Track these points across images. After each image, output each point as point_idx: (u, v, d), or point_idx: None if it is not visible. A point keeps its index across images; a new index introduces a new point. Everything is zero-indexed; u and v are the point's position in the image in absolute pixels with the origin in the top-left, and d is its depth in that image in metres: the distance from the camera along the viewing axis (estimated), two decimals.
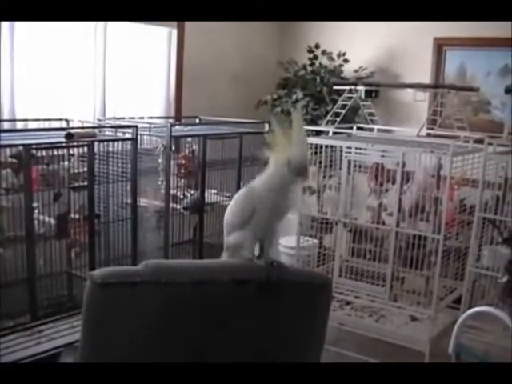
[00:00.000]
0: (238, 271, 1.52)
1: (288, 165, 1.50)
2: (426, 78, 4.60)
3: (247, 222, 1.56)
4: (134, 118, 3.73)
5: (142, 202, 3.30)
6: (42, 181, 2.73)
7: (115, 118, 3.82)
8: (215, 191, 3.65)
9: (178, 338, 1.42)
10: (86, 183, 2.88)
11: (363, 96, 3.66)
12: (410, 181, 3.12)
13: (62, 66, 3.77)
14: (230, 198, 1.66)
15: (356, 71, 4.83)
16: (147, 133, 3.32)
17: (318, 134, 3.43)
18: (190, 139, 3.52)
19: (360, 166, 3.37)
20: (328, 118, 3.73)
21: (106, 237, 3.06)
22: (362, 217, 3.37)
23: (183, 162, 3.47)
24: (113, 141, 2.99)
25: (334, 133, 3.38)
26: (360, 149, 3.21)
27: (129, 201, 3.08)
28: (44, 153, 2.73)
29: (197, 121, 4.15)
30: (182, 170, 3.47)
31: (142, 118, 3.79)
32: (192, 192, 3.51)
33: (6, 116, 3.45)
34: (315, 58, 4.85)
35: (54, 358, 2.44)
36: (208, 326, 1.45)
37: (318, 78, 4.72)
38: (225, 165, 3.65)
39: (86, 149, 2.84)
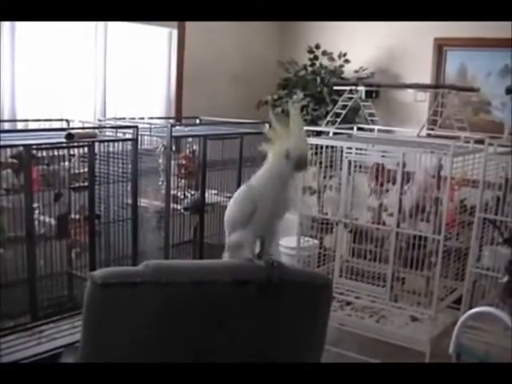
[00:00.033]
0: (239, 271, 1.52)
1: (287, 157, 1.50)
2: (427, 78, 4.60)
3: (248, 220, 1.56)
4: (134, 118, 3.73)
5: (143, 202, 3.30)
6: (43, 181, 2.73)
7: (116, 119, 3.82)
8: (216, 191, 3.65)
9: (178, 339, 1.42)
10: (86, 184, 2.88)
11: (363, 96, 3.66)
12: (410, 181, 3.12)
13: (63, 66, 3.77)
14: (231, 198, 1.66)
15: (356, 72, 4.83)
16: (148, 133, 3.32)
17: (318, 134, 3.43)
18: (190, 139, 3.53)
19: (360, 167, 3.37)
20: (328, 118, 3.73)
21: (107, 237, 3.06)
22: (363, 217, 3.37)
23: (184, 162, 3.47)
24: (113, 141, 2.99)
25: (335, 133, 3.38)
26: (360, 149, 3.21)
27: (129, 201, 3.08)
28: (44, 153, 2.73)
29: (197, 121, 4.15)
30: (183, 171, 3.47)
31: (143, 118, 3.79)
32: (192, 192, 3.52)
33: (6, 116, 3.44)
34: (315, 58, 4.85)
35: (54, 358, 2.44)
36: (208, 327, 1.44)
37: (318, 79, 4.72)
38: (225, 165, 3.65)
39: (86, 149, 2.84)
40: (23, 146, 2.57)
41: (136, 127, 3.02)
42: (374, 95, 3.68)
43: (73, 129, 3.02)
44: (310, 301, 1.57)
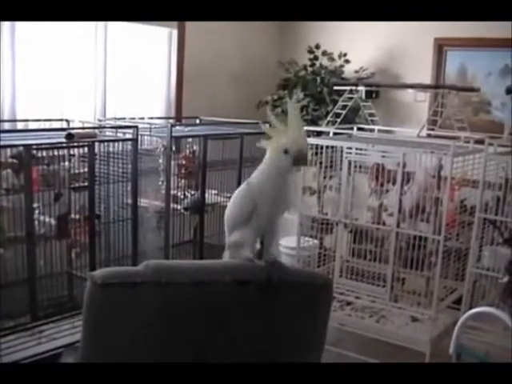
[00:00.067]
0: (239, 271, 1.52)
1: (285, 152, 1.50)
2: (427, 78, 4.60)
3: (248, 219, 1.56)
4: (134, 118, 3.73)
5: (143, 202, 3.30)
6: (43, 181, 2.73)
7: (116, 119, 3.82)
8: (216, 192, 3.65)
9: (178, 339, 1.42)
10: (86, 183, 2.88)
11: (364, 96, 3.66)
12: (410, 181, 3.12)
13: (63, 66, 3.77)
14: (231, 198, 1.66)
15: (356, 72, 4.83)
16: (148, 133, 3.32)
17: (318, 134, 3.43)
18: (190, 140, 3.53)
19: (360, 167, 3.37)
20: (328, 118, 3.73)
21: (107, 237, 3.06)
22: (363, 217, 3.37)
23: (184, 162, 3.47)
24: (113, 141, 2.99)
25: (335, 133, 3.38)
26: (360, 149, 3.21)
27: (129, 201, 3.08)
28: (44, 153, 2.73)
29: (197, 121, 4.15)
30: (183, 171, 3.47)
31: (143, 118, 3.79)
32: (192, 192, 3.51)
33: (6, 116, 3.44)
34: (316, 58, 4.85)
35: (54, 358, 2.44)
36: (208, 327, 1.44)
37: (318, 79, 4.73)
38: (225, 165, 3.65)
39: (86, 149, 2.84)
40: (23, 145, 2.57)
41: (136, 127, 3.02)
42: (374, 95, 3.67)
43: (73, 129, 3.02)
44: (310, 301, 1.57)
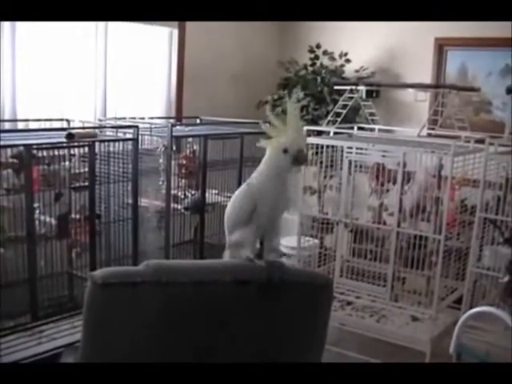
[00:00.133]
0: (239, 271, 1.52)
1: (285, 152, 1.51)
2: (427, 78, 4.60)
3: (248, 219, 1.56)
4: (134, 118, 3.73)
5: (143, 202, 3.30)
6: (43, 181, 2.73)
7: (116, 118, 3.82)
8: (216, 191, 3.66)
9: (178, 339, 1.42)
10: (86, 183, 2.88)
11: (364, 96, 3.66)
12: (410, 181, 3.12)
13: (63, 66, 3.77)
14: (231, 198, 1.66)
15: (357, 71, 4.83)
16: (148, 133, 3.32)
17: (318, 134, 3.43)
18: (190, 139, 3.53)
19: (361, 166, 3.37)
20: (329, 118, 3.73)
21: (107, 237, 3.06)
22: (363, 217, 3.37)
23: (184, 162, 3.47)
24: (114, 141, 2.99)
25: (335, 133, 3.38)
26: (361, 149, 3.21)
27: (130, 201, 3.08)
28: (45, 153, 2.73)
29: (198, 121, 4.15)
30: (183, 170, 3.47)
31: (143, 118, 3.79)
32: (193, 192, 3.52)
33: (7, 116, 3.45)
34: (316, 58, 4.85)
35: (54, 358, 2.44)
36: (209, 327, 1.44)
37: (318, 78, 4.72)
38: (226, 165, 3.65)
39: (86, 149, 2.85)
40: (24, 145, 2.57)
41: (136, 127, 3.02)
42: (374, 95, 3.67)
43: (73, 128, 3.02)
44: (311, 301, 1.57)
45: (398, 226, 3.06)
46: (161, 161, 3.30)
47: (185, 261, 2.62)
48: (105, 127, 3.33)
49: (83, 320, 1.40)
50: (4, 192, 2.59)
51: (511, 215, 2.84)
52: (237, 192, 1.63)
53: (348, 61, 4.81)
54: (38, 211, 2.72)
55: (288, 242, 3.69)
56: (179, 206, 3.45)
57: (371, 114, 3.81)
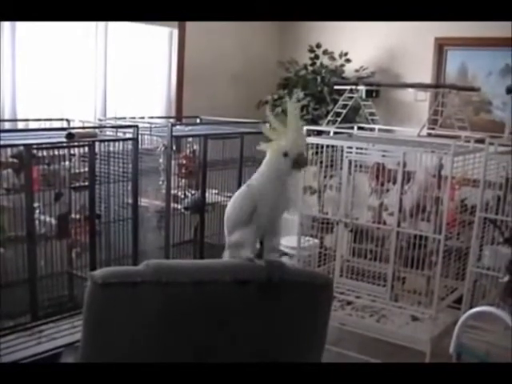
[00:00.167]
0: (239, 271, 1.52)
1: (285, 155, 1.51)
2: (427, 77, 4.60)
3: (248, 220, 1.56)
4: (134, 117, 3.73)
5: (143, 202, 3.30)
6: (43, 181, 2.73)
7: (116, 118, 3.82)
8: (216, 191, 3.65)
9: (178, 338, 1.42)
10: (86, 183, 2.88)
11: (364, 96, 3.66)
12: (410, 181, 3.12)
13: (63, 66, 3.77)
14: (231, 197, 1.66)
15: (357, 71, 4.83)
16: (148, 133, 3.32)
17: (318, 133, 3.43)
18: (190, 139, 3.52)
19: (361, 166, 3.37)
20: (329, 117, 3.73)
21: (107, 237, 3.06)
22: (363, 217, 3.37)
23: (184, 161, 3.47)
24: (114, 141, 2.99)
25: (335, 133, 3.38)
26: (361, 149, 3.21)
27: (130, 201, 3.08)
28: (45, 153, 2.73)
29: (198, 121, 4.15)
30: (183, 170, 3.47)
31: (143, 117, 3.79)
32: (193, 192, 3.51)
33: (7, 116, 3.45)
34: (316, 57, 4.84)
35: (54, 358, 2.44)
36: (209, 326, 1.44)
37: (318, 78, 4.72)
38: (226, 165, 3.65)
39: (86, 149, 2.84)
40: (24, 145, 2.57)
41: (136, 127, 3.02)
42: (374, 95, 3.67)
43: (73, 128, 3.02)
44: (311, 300, 1.57)
45: (398, 225, 3.07)
46: (161, 160, 3.30)
47: (185, 261, 2.62)
48: (105, 127, 3.33)
49: (83, 320, 1.40)
50: (4, 192, 2.58)
51: (511, 215, 2.84)
52: (237, 193, 1.63)
53: (348, 61, 4.81)
54: (37, 211, 2.72)
55: (288, 242, 3.69)
56: (179, 206, 3.45)
57: (371, 114, 3.81)
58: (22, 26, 3.46)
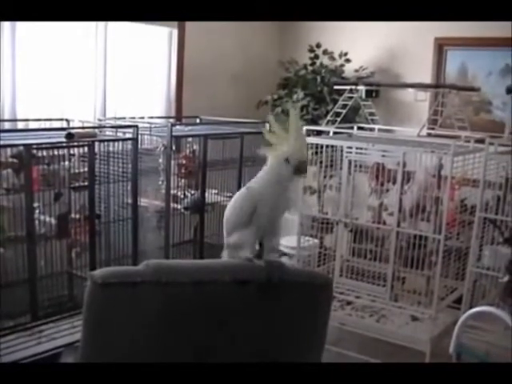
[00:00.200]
0: (239, 271, 1.52)
1: (286, 161, 1.50)
2: (427, 77, 4.60)
3: (248, 221, 1.56)
4: (134, 117, 3.73)
5: (143, 201, 3.30)
6: (43, 181, 2.73)
7: (116, 118, 3.82)
8: (216, 191, 3.65)
9: (178, 338, 1.42)
10: (86, 183, 2.88)
11: (364, 96, 3.66)
12: (410, 181, 3.12)
13: (63, 66, 3.77)
14: (231, 197, 1.66)
15: (357, 71, 4.83)
16: (148, 133, 3.32)
17: (318, 133, 3.43)
18: (190, 139, 3.52)
19: (361, 166, 3.37)
20: (328, 117, 3.73)
21: (107, 237, 3.06)
22: (363, 217, 3.37)
23: (184, 161, 3.47)
24: (113, 141, 2.99)
25: (335, 133, 3.38)
26: (361, 149, 3.21)
27: (129, 201, 3.08)
28: (45, 153, 2.73)
29: (197, 121, 4.15)
30: (183, 170, 3.47)
31: (143, 117, 3.79)
32: (193, 192, 3.51)
33: (6, 116, 3.45)
34: (316, 57, 4.84)
35: (54, 358, 2.44)
36: (209, 326, 1.44)
37: (318, 78, 4.72)
38: (226, 165, 3.65)
39: (86, 149, 2.84)
40: (23, 145, 2.57)
41: (136, 127, 3.02)
42: (374, 95, 3.67)
43: (73, 128, 3.02)
44: (311, 300, 1.57)
45: (398, 225, 3.07)
46: (160, 160, 3.30)
47: (184, 261, 2.62)
48: (104, 127, 3.33)
49: (83, 320, 1.40)
50: (4, 192, 2.58)
51: (511, 215, 2.84)
52: (237, 194, 1.63)
53: (348, 60, 4.80)
54: (37, 211, 2.72)
55: (288, 242, 3.69)
56: (179, 206, 3.45)
57: (371, 114, 3.81)
58: (22, 26, 3.46)
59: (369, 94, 3.63)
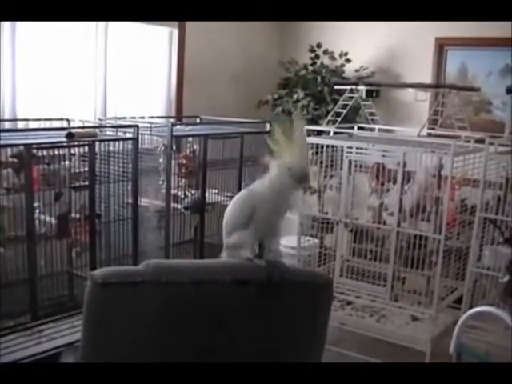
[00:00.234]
0: (239, 271, 1.52)
1: (289, 172, 1.50)
2: (427, 77, 4.60)
3: (247, 222, 1.56)
4: (134, 117, 3.72)
5: (143, 201, 3.30)
6: (43, 180, 2.72)
7: (116, 118, 3.82)
8: (216, 191, 3.65)
9: (178, 338, 1.42)
10: (86, 183, 2.88)
11: (364, 96, 3.66)
12: (410, 181, 3.12)
13: (63, 65, 3.77)
14: (231, 197, 1.66)
15: (357, 71, 4.83)
16: (148, 132, 3.32)
17: (318, 133, 3.43)
18: (190, 139, 3.52)
19: (361, 166, 3.37)
20: (329, 117, 3.73)
21: (107, 236, 3.06)
22: (363, 217, 3.37)
23: (184, 161, 3.47)
24: (114, 140, 2.99)
25: (335, 133, 3.38)
26: (361, 149, 3.21)
27: (130, 200, 3.08)
28: (45, 152, 2.72)
29: (198, 120, 4.15)
30: (183, 170, 3.47)
31: (143, 117, 3.79)
32: (193, 192, 3.51)
33: (7, 116, 3.45)
34: (317, 57, 4.84)
35: (54, 357, 2.43)
36: (209, 326, 1.44)
37: (318, 78, 4.72)
38: (226, 164, 3.65)
39: (86, 148, 2.84)
40: (24, 145, 2.57)
41: (136, 126, 3.01)
42: (374, 95, 3.67)
43: (73, 128, 3.02)
44: (311, 300, 1.57)
45: (398, 225, 3.07)
46: (161, 160, 3.30)
47: (185, 260, 2.62)
48: (105, 127, 3.33)
49: (83, 319, 1.40)
50: (4, 191, 2.58)
51: (511, 215, 2.84)
52: (237, 196, 1.63)
53: (348, 60, 4.80)
54: (37, 211, 2.72)
55: (288, 242, 3.69)
56: (179, 206, 3.45)
57: (371, 114, 3.81)
58: (22, 26, 3.46)
59: (369, 93, 3.63)
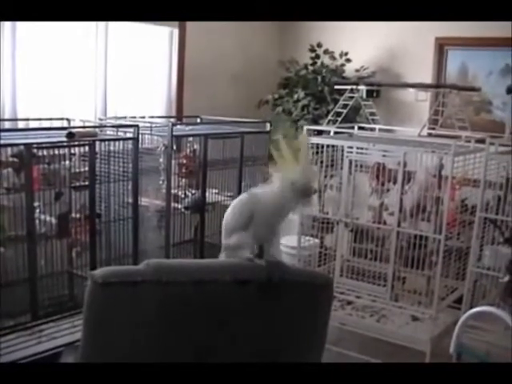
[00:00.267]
0: (239, 271, 1.52)
1: (292, 187, 1.50)
2: (428, 77, 4.60)
3: (247, 224, 1.57)
4: (135, 117, 3.72)
5: (143, 201, 3.30)
6: (43, 180, 2.72)
7: (116, 118, 3.82)
8: (216, 191, 3.65)
9: (179, 338, 1.42)
10: (87, 183, 2.88)
11: (364, 96, 3.66)
12: (411, 181, 3.12)
13: (64, 65, 3.77)
14: (232, 197, 1.67)
15: (357, 71, 4.83)
16: (148, 132, 3.32)
17: (319, 133, 3.43)
18: (191, 139, 3.52)
19: (361, 166, 3.37)
20: (329, 117, 3.73)
21: (107, 236, 3.05)
22: (364, 216, 3.37)
23: (184, 161, 3.47)
24: (114, 140, 2.99)
25: (336, 132, 3.38)
26: (361, 148, 3.21)
27: (130, 200, 3.08)
28: (45, 152, 2.72)
29: (198, 120, 4.15)
30: (183, 170, 3.47)
31: (144, 117, 3.78)
32: (193, 191, 3.51)
33: (7, 115, 3.45)
34: (317, 57, 4.84)
35: (54, 357, 2.43)
36: (209, 326, 1.45)
37: (319, 78, 4.72)
38: (226, 164, 3.65)
39: (87, 148, 2.84)
40: (24, 144, 2.57)
41: (137, 126, 3.01)
42: (374, 94, 3.67)
43: (73, 128, 3.01)
44: (311, 300, 1.57)
45: (399, 225, 3.06)
46: (161, 160, 3.30)
47: (185, 260, 2.63)
48: (105, 126, 3.32)
49: (83, 319, 1.41)
50: (4, 191, 2.58)
51: (511, 215, 2.84)
52: (237, 199, 1.64)
53: (348, 60, 4.80)
54: (38, 210, 2.72)
55: (288, 242, 3.69)
56: (179, 206, 3.45)
57: (372, 114, 3.81)
58: (22, 26, 3.46)
59: (369, 93, 3.63)
